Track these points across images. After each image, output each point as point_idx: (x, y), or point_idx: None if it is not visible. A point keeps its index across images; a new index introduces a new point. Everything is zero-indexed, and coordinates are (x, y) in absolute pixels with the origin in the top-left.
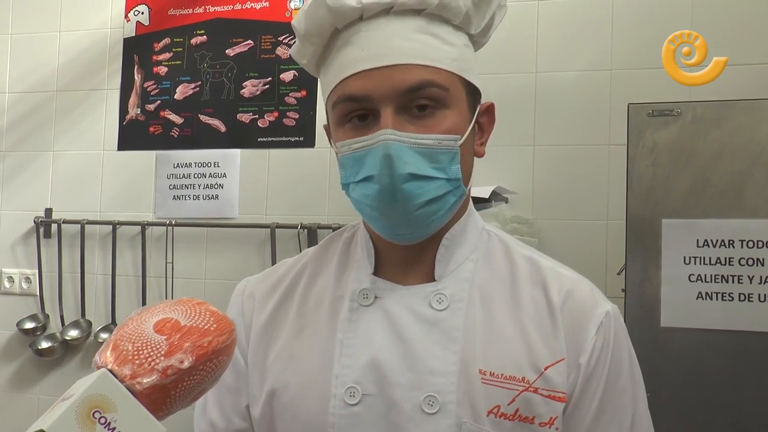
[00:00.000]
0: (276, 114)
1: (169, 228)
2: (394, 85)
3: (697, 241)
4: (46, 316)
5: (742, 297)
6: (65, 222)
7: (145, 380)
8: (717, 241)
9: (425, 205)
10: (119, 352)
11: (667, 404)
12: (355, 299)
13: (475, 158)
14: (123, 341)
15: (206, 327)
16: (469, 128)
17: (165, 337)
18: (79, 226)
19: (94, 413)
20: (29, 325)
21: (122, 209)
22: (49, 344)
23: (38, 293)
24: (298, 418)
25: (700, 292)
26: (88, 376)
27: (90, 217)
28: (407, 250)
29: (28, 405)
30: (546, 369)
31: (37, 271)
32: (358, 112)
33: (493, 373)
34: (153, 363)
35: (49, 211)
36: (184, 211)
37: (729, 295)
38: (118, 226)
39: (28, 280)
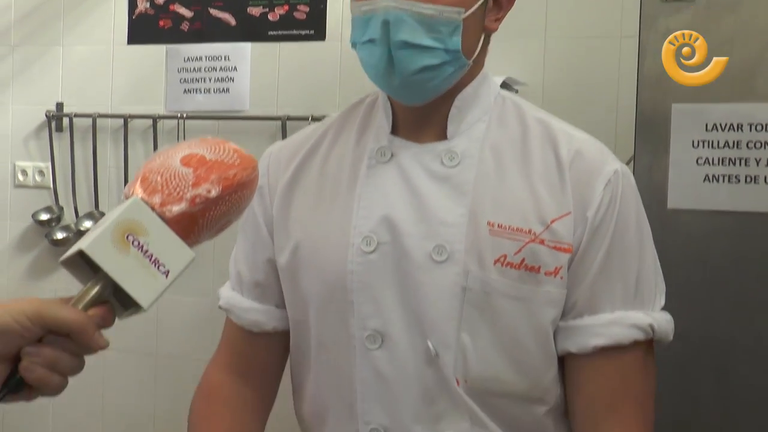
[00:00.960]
0: (286, 7)
1: (181, 121)
2: None
3: (706, 125)
4: (61, 208)
5: (749, 179)
6: (77, 116)
7: (174, 208)
8: (726, 125)
9: (420, 72)
10: (148, 183)
11: (671, 284)
12: (373, 156)
13: (491, 36)
14: (152, 173)
15: (231, 162)
16: (479, 2)
17: (192, 169)
18: (90, 119)
19: (127, 236)
20: (44, 216)
21: (133, 103)
22: (64, 235)
23: (52, 186)
24: (321, 267)
25: (707, 175)
26: (120, 204)
27: (101, 110)
28: (421, 111)
29: (45, 294)
30: (552, 222)
31: (50, 164)
32: None
33: (501, 225)
34: (181, 192)
35: (60, 105)
36: (195, 105)
37: (735, 178)
38: (129, 119)
39: (41, 173)
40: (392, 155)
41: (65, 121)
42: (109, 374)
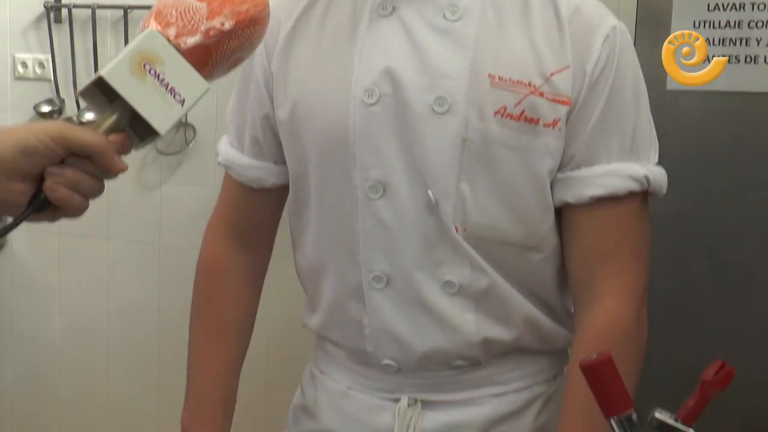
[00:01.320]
0: None
1: None
2: None
3: (708, 5)
4: (62, 100)
5: (749, 59)
6: (75, 6)
7: (189, 39)
8: (728, 4)
9: None
10: (163, 16)
11: (669, 164)
12: (375, 10)
13: None
14: (166, 8)
15: None
16: None
17: (205, 3)
18: (89, 10)
19: (144, 65)
20: (46, 108)
21: None
22: None
23: (52, 78)
24: (322, 120)
25: (707, 56)
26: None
27: (100, 1)
28: None
29: None
30: (552, 75)
31: (50, 56)
32: None
33: (502, 78)
34: (196, 25)
35: None
36: None
37: (735, 58)
38: (129, 10)
39: (41, 65)
40: (393, 9)
41: (64, 12)
42: (114, 266)
